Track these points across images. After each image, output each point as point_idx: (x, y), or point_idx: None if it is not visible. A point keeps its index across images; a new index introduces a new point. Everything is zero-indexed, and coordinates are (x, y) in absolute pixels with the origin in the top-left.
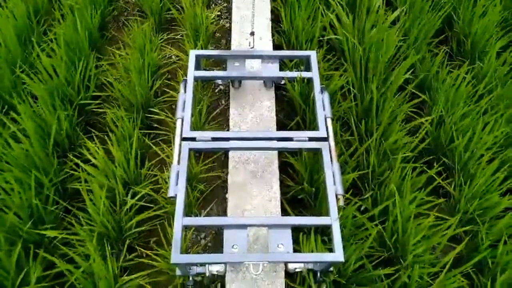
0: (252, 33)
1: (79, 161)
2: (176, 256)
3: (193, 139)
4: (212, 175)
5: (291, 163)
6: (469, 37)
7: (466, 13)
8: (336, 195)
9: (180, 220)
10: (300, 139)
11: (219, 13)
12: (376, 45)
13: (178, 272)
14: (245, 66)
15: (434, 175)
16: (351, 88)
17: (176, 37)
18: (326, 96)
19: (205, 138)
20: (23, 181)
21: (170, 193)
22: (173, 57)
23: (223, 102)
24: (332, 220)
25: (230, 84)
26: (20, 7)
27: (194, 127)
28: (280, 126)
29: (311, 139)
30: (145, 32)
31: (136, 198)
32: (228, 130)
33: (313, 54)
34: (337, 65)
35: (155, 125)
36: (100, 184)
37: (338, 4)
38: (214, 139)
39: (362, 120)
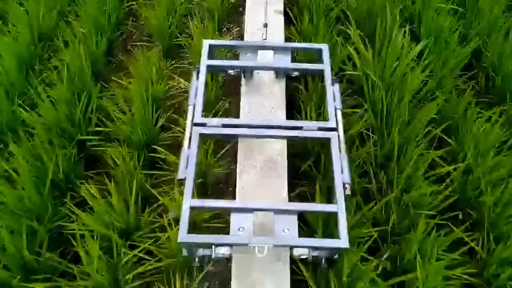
0: (265, 25)
1: (74, 208)
2: (183, 236)
3: (203, 124)
4: None
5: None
6: (500, 73)
7: (495, 46)
8: (344, 184)
9: (188, 202)
10: (309, 128)
11: (231, 38)
12: (399, 83)
13: (184, 252)
14: (257, 57)
15: (460, 233)
16: (371, 134)
17: (185, 65)
18: (337, 88)
19: (216, 124)
20: (14, 229)
21: (180, 176)
22: (181, 86)
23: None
24: (339, 207)
25: (242, 75)
26: (24, 31)
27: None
28: None
29: (320, 129)
30: (150, 61)
31: (135, 252)
32: None
33: (325, 47)
34: (355, 101)
35: (159, 164)
36: (96, 232)
37: (358, 35)
38: (224, 125)
39: (382, 168)
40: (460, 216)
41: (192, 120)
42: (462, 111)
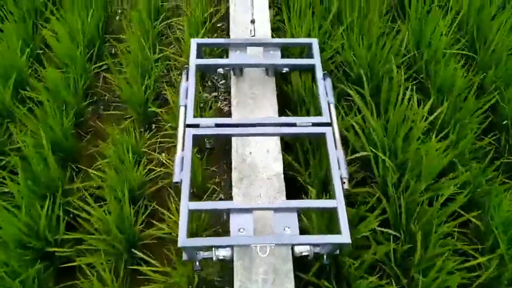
0: (253, 21)
1: None
2: (183, 240)
3: (196, 125)
4: None
5: None
6: None
7: None
8: (341, 178)
9: (186, 205)
10: (303, 124)
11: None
12: (414, 163)
13: (184, 256)
14: (247, 54)
15: None
16: (388, 231)
17: (164, 139)
18: (328, 82)
19: (208, 125)
20: None
21: (175, 179)
22: (162, 162)
23: None
24: (338, 202)
25: (232, 73)
26: None
27: None
28: None
29: (314, 124)
30: (124, 142)
31: None
32: None
33: (315, 42)
34: (363, 180)
35: (140, 276)
36: None
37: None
38: (218, 125)
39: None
40: None
41: (185, 122)
42: (486, 184)
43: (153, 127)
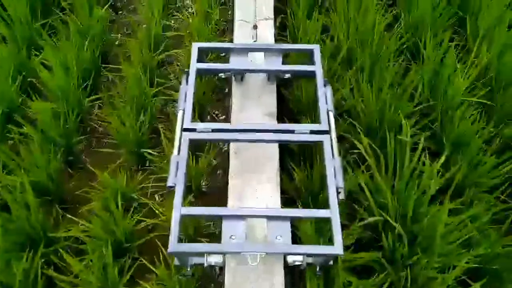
0: (255, 27)
1: None
2: (174, 245)
3: (193, 130)
4: None
5: None
6: None
7: None
8: (337, 188)
9: (178, 210)
10: (301, 131)
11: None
12: (425, 235)
13: (176, 262)
14: (248, 59)
15: None
16: None
17: (157, 184)
18: (328, 89)
19: (205, 129)
20: None
21: (169, 183)
22: (153, 213)
23: None
24: (332, 213)
25: (233, 78)
26: None
27: None
28: None
29: (312, 132)
30: (111, 185)
31: None
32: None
33: (316, 48)
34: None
35: None
36: None
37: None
38: (215, 130)
39: None
40: None
41: (182, 125)
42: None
43: (147, 165)
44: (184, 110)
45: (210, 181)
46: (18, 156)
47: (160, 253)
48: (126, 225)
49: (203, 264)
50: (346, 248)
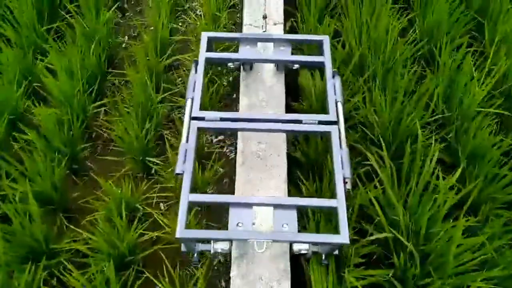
0: (265, 17)
1: None
2: (181, 231)
3: (202, 118)
4: None
5: None
6: None
7: None
8: (344, 178)
9: (186, 197)
10: (309, 121)
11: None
12: (437, 256)
13: (183, 248)
14: (257, 49)
15: None
16: None
17: (163, 195)
18: (337, 80)
19: (214, 118)
20: None
21: (178, 170)
22: (158, 225)
23: None
24: (339, 202)
25: (241, 68)
26: None
27: None
28: None
29: (320, 122)
30: (115, 195)
31: None
32: None
33: (326, 39)
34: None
35: None
36: None
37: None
38: (223, 119)
39: None
40: None
41: (190, 114)
42: None
43: (152, 172)
44: (192, 99)
45: (216, 190)
46: (22, 165)
47: (164, 267)
48: (130, 238)
49: (209, 250)
50: (355, 266)
